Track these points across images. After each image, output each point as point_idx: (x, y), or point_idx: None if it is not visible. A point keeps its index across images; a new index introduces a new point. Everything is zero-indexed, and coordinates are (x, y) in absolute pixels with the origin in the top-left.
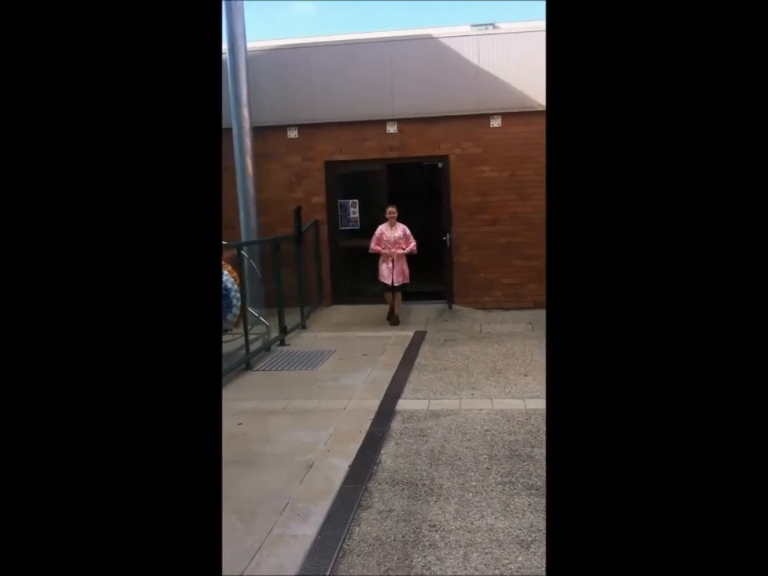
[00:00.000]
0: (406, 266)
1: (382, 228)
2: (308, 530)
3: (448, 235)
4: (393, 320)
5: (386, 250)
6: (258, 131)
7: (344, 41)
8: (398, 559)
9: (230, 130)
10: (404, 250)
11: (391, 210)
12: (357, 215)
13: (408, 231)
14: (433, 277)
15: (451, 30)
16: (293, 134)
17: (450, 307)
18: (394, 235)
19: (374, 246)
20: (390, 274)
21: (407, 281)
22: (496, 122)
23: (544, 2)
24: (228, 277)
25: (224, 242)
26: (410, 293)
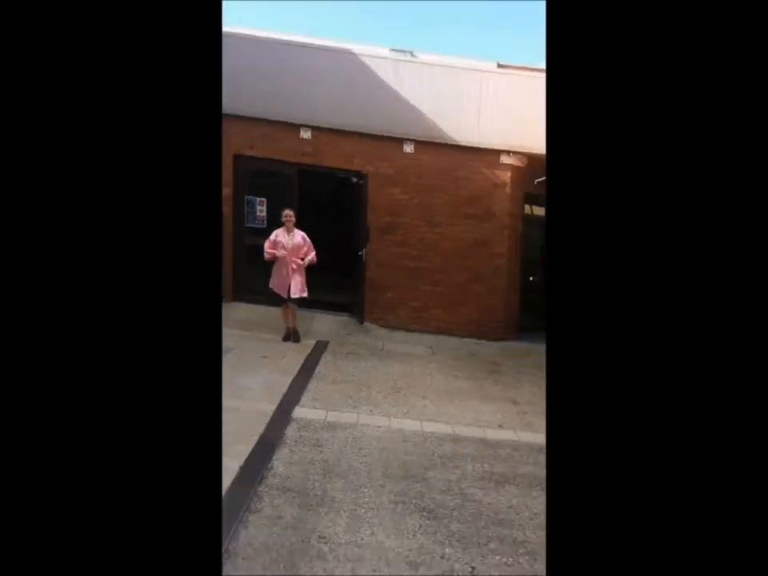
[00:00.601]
0: (304, 278)
1: (278, 233)
2: None
3: (364, 251)
4: (294, 337)
5: (283, 254)
6: None
7: (263, 37)
8: (284, 567)
9: None
10: (303, 261)
11: (288, 214)
12: (264, 214)
13: (308, 239)
14: (338, 289)
15: (371, 49)
16: None
17: (362, 323)
18: (292, 242)
19: (267, 249)
20: (286, 284)
21: (305, 294)
22: (409, 148)
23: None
24: None
25: None
26: (314, 302)
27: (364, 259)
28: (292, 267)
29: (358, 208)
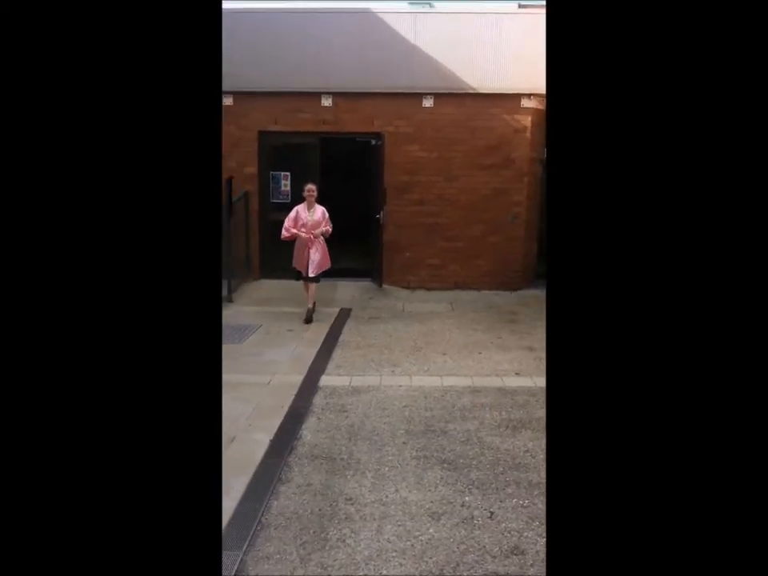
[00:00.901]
0: (326, 252)
1: (298, 209)
2: (228, 503)
3: (381, 213)
4: (306, 317)
5: (303, 233)
6: None
7: (283, 9)
8: (313, 532)
9: None
10: (317, 233)
11: (310, 188)
12: (288, 188)
13: (327, 214)
14: (359, 255)
15: (388, 5)
16: (228, 101)
17: (381, 286)
18: (312, 218)
19: (288, 227)
20: (306, 262)
21: (325, 268)
22: (428, 102)
23: None
24: None
25: None
26: (337, 270)
27: (382, 222)
28: (309, 245)
29: (376, 171)
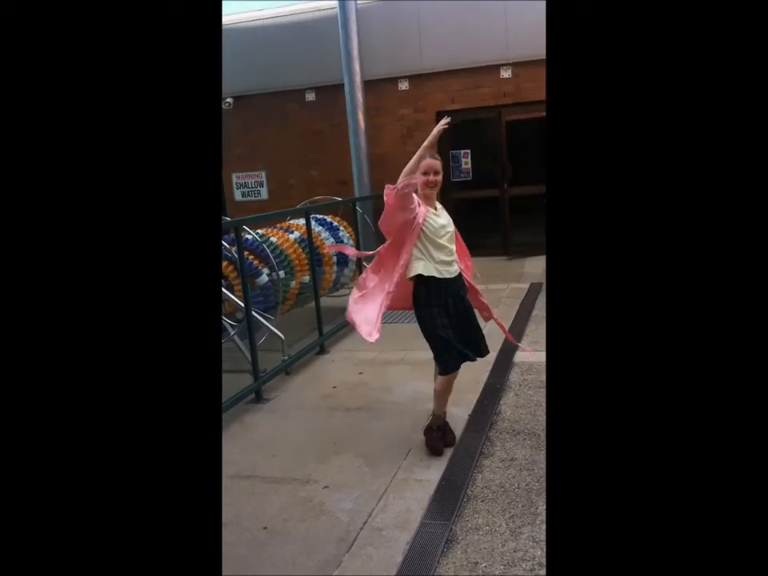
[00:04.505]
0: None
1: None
2: (431, 475)
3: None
4: (448, 436)
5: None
6: (369, 85)
7: None
8: (522, 506)
9: (341, 85)
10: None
11: (430, 171)
12: (469, 166)
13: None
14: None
15: None
16: (403, 85)
17: None
18: (445, 222)
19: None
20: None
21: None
22: None
23: None
24: (344, 232)
25: (339, 198)
26: (527, 244)
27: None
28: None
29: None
